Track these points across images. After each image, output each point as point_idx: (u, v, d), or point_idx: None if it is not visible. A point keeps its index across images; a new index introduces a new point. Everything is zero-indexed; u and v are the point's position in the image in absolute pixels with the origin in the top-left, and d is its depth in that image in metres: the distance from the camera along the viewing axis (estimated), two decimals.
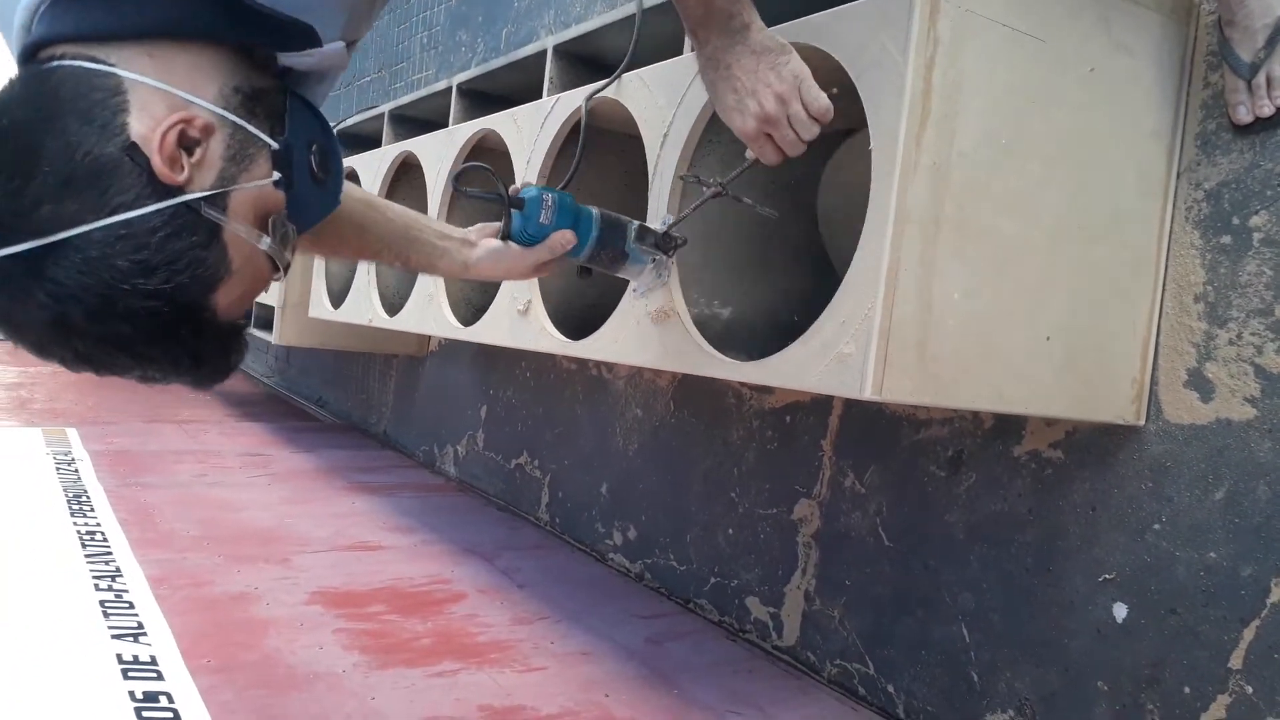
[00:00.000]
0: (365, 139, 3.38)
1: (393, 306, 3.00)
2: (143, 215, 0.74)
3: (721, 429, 2.35)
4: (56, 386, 5.04)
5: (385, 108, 3.15)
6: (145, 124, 0.76)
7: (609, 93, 1.93)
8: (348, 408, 4.97)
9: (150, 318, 0.76)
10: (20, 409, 4.28)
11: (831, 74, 1.41)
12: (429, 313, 2.65)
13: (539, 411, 3.23)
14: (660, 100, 1.74)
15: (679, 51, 1.73)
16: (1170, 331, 1.50)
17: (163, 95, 0.78)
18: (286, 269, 0.89)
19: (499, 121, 2.38)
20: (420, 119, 3.06)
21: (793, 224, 1.90)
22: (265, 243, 0.84)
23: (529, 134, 2.25)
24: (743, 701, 1.89)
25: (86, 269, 0.73)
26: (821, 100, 1.23)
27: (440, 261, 1.47)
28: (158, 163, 0.75)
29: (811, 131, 1.25)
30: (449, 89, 2.71)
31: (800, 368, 1.30)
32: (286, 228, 0.87)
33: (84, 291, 0.73)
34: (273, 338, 3.89)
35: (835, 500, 2.02)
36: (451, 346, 3.90)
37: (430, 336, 4.08)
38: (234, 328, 0.85)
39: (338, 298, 3.36)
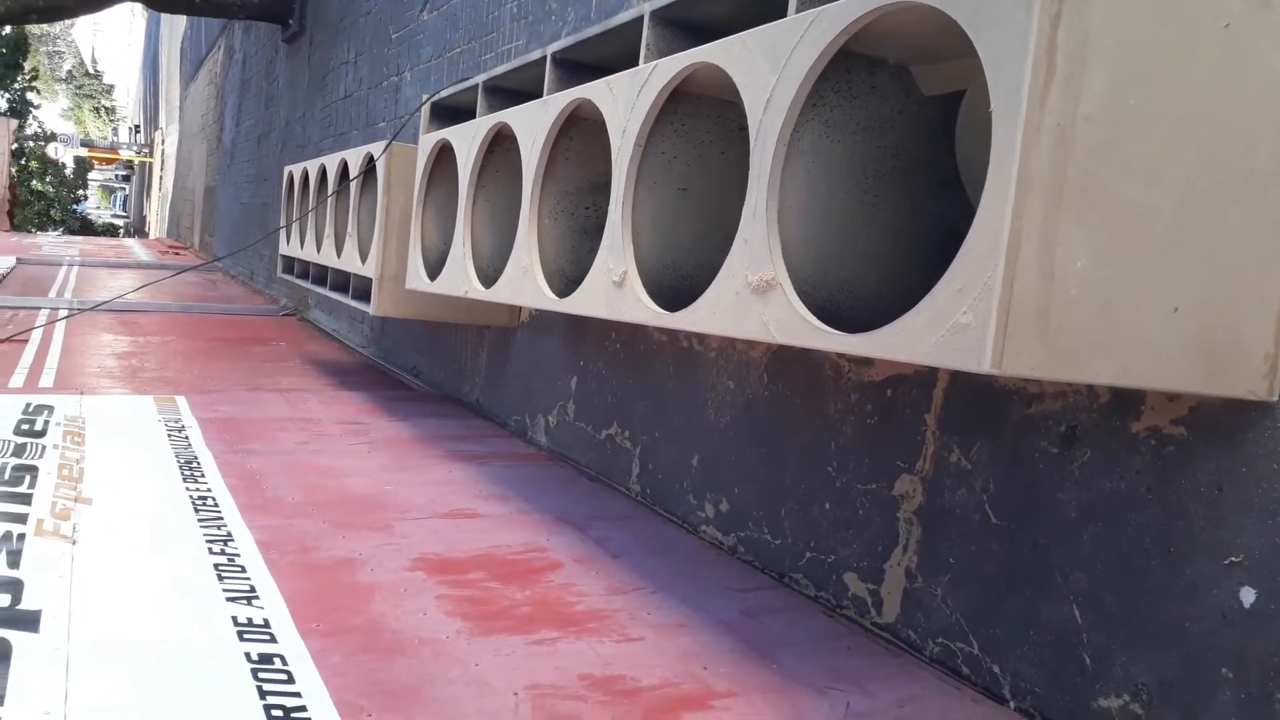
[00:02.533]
0: (459, 111, 3.40)
1: (488, 278, 3.02)
2: None
3: (818, 402, 2.31)
4: (165, 355, 5.25)
5: (479, 79, 3.15)
6: None
7: (709, 57, 1.89)
8: (441, 377, 5.06)
9: None
10: (132, 377, 4.46)
11: (952, 38, 1.35)
12: (524, 284, 2.66)
13: (629, 383, 3.23)
14: (763, 65, 1.69)
15: (781, 14, 1.69)
16: None
17: None
18: None
19: (594, 90, 2.36)
20: (514, 89, 3.06)
21: (919, 175, 1.85)
22: None
23: (625, 102, 2.22)
24: (843, 678, 1.86)
25: None
26: None
27: None
28: None
29: None
30: (543, 58, 2.69)
31: (913, 339, 1.26)
32: None
33: None
34: (370, 308, 3.96)
35: (939, 476, 1.97)
36: (542, 317, 3.93)
37: (521, 307, 4.11)
38: None
39: (434, 269, 3.40)
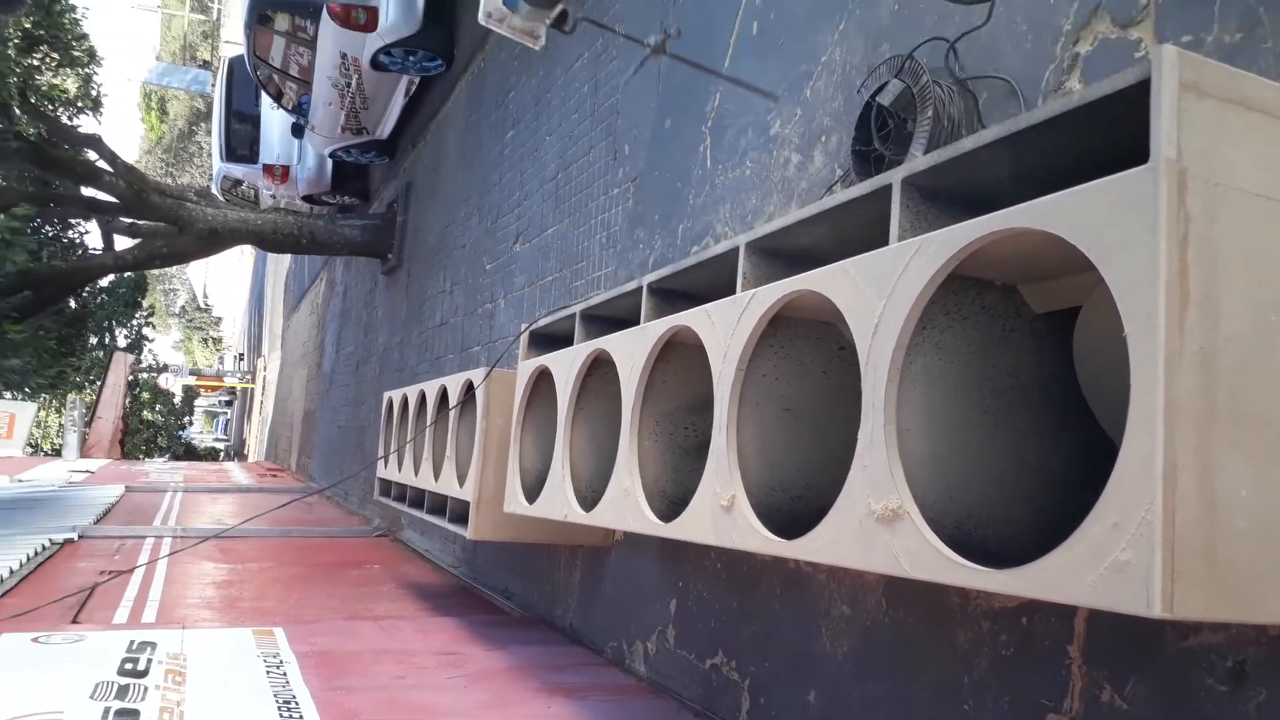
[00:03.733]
0: (556, 337, 3.50)
1: (587, 500, 3.00)
2: None
3: (946, 631, 2.17)
4: (263, 583, 5.28)
5: (576, 308, 3.26)
6: None
7: (810, 285, 1.92)
8: (534, 599, 4.96)
9: None
10: (231, 607, 4.47)
11: (1063, 258, 1.34)
12: (626, 507, 2.62)
13: (733, 606, 3.10)
14: (868, 292, 1.70)
15: (881, 242, 1.71)
16: None
17: None
18: None
19: (693, 318, 2.41)
20: (610, 317, 3.14)
21: (1037, 394, 1.79)
22: None
23: (724, 328, 2.25)
24: None
25: None
26: None
27: None
28: None
29: None
30: (639, 288, 2.77)
31: (1068, 578, 1.17)
32: None
33: None
34: (468, 532, 3.95)
35: (1091, 716, 1.80)
36: (637, 535, 3.86)
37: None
38: None
39: (532, 492, 3.40)
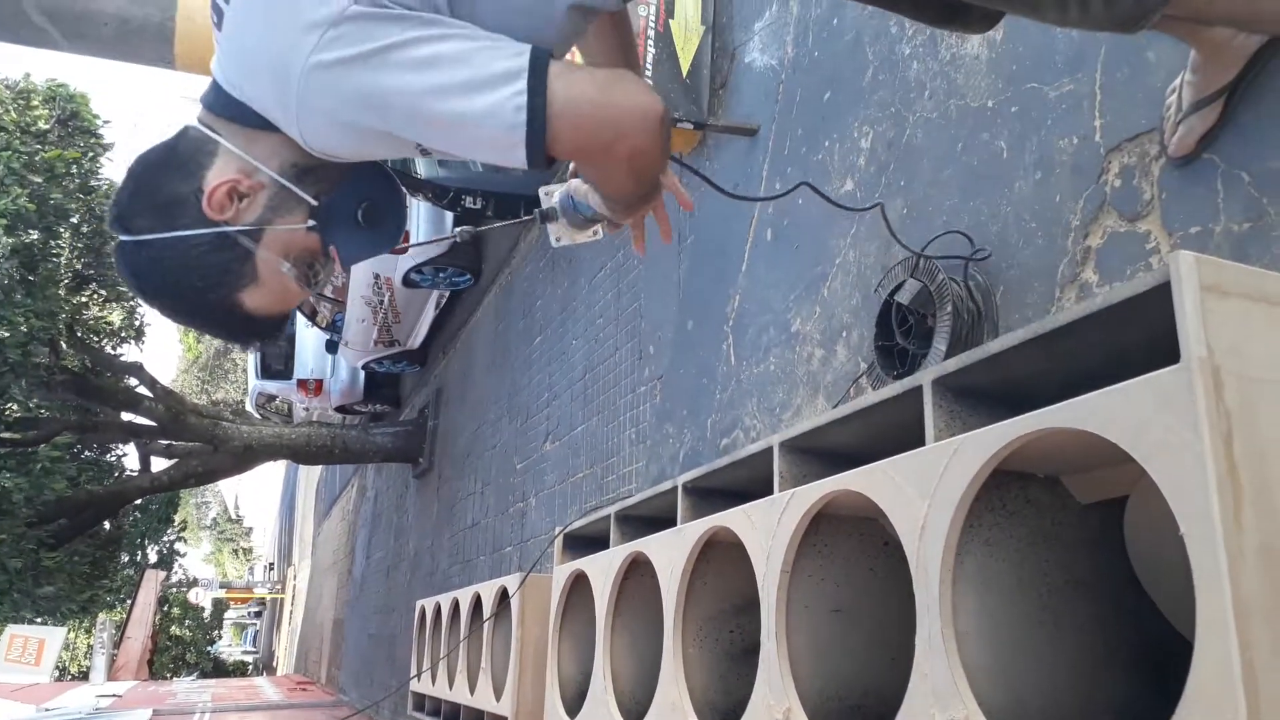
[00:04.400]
0: (591, 539, 3.47)
1: (631, 713, 2.88)
2: (191, 234, 1.19)
3: None
4: None
5: (610, 510, 3.25)
6: (215, 178, 1.22)
7: (850, 485, 1.92)
8: None
9: (193, 298, 1.24)
10: None
11: (1103, 451, 1.35)
12: None
13: None
14: (909, 491, 1.70)
15: (915, 438, 1.72)
16: None
17: (239, 160, 1.22)
18: (314, 288, 1.30)
19: (732, 518, 2.39)
20: (645, 517, 3.13)
21: (1095, 587, 1.74)
22: (285, 268, 1.25)
23: (765, 529, 2.24)
24: None
25: (154, 261, 1.22)
26: None
27: None
28: (206, 203, 1.21)
29: None
30: (674, 488, 2.78)
31: None
32: (317, 263, 1.29)
33: (150, 274, 1.23)
34: None
35: None
36: None
37: None
38: (267, 321, 1.28)
39: (572, 705, 3.28)
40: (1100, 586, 1.74)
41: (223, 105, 1.24)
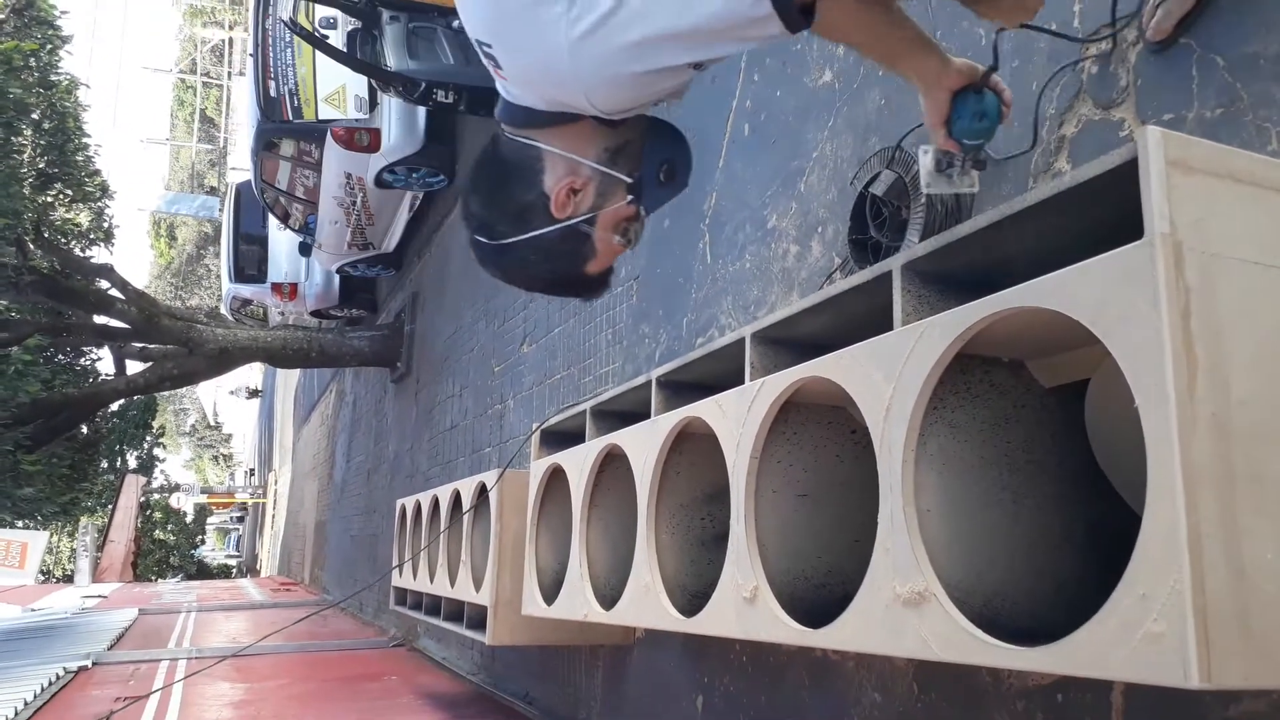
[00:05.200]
0: (567, 435, 3.51)
1: (606, 598, 2.97)
2: (544, 233, 1.40)
3: (981, 712, 2.13)
4: (280, 701, 5.18)
5: (586, 405, 3.28)
6: (551, 181, 1.39)
7: (819, 371, 1.94)
8: (556, 703, 4.86)
9: (550, 278, 1.50)
10: None
11: (1067, 333, 1.37)
12: (647, 605, 2.60)
13: (761, 700, 3.04)
14: (876, 376, 1.72)
15: (885, 327, 1.73)
16: None
17: (564, 159, 1.39)
18: (632, 245, 1.49)
19: (704, 409, 2.42)
20: (620, 412, 3.16)
21: (1053, 468, 1.79)
22: (618, 240, 1.45)
23: (736, 418, 2.27)
24: None
25: (519, 259, 1.44)
26: None
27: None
28: (553, 206, 1.39)
29: None
30: (648, 383, 2.80)
31: (1101, 652, 1.16)
32: (633, 226, 1.47)
33: (518, 269, 1.48)
34: (486, 638, 3.90)
35: None
36: (659, 632, 3.80)
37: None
38: (601, 277, 1.51)
39: (549, 593, 3.37)
40: (1060, 468, 1.79)
41: (523, 118, 1.39)
